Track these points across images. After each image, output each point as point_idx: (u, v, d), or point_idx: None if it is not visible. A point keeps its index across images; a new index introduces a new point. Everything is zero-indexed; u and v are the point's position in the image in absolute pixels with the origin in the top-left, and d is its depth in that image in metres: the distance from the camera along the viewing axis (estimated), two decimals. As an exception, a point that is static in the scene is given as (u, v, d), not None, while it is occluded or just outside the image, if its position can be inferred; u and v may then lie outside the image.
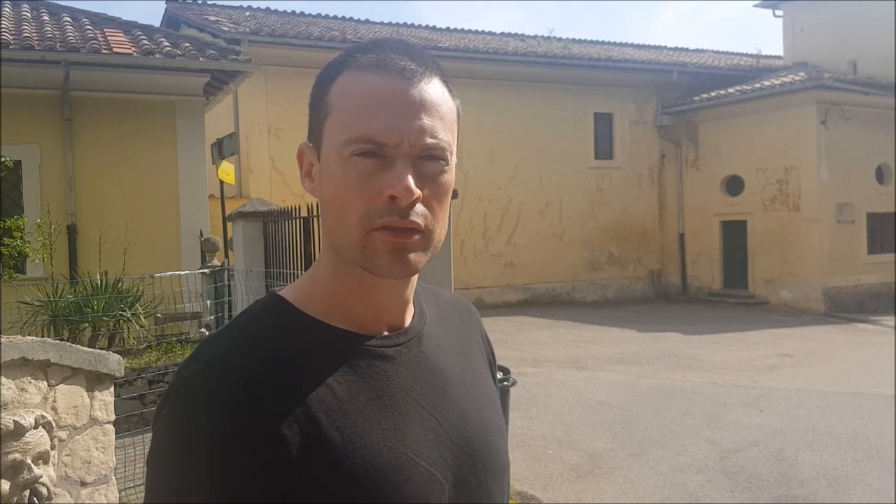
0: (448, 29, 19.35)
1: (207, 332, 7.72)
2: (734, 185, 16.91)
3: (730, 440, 6.21)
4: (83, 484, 3.19)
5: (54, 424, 2.97)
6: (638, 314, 14.85)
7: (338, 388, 0.79)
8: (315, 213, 5.52)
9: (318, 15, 17.78)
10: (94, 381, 3.29)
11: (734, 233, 16.80)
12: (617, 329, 12.77)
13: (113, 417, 3.40)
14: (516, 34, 19.73)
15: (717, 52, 22.45)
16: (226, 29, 13.47)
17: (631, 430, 6.53)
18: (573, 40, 19.69)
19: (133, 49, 9.71)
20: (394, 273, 0.80)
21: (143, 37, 10.36)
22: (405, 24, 18.99)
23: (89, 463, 3.22)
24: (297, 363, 0.79)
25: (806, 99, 15.23)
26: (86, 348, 3.34)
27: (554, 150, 16.27)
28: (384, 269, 0.80)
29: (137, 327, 6.74)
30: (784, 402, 7.57)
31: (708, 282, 17.40)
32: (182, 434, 0.73)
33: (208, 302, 7.05)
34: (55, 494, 2.90)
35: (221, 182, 8.78)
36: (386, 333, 0.86)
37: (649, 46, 21.47)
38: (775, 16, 19.78)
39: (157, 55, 9.59)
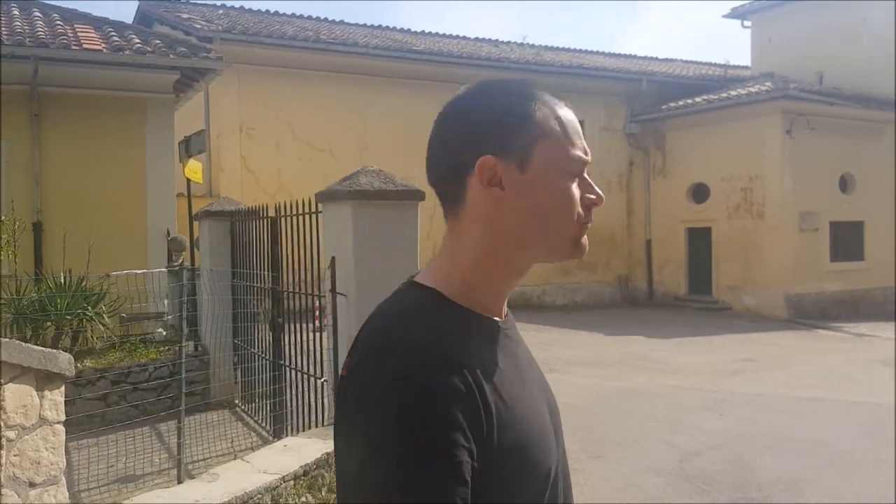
0: (423, 32, 19.41)
1: (164, 333, 7.69)
2: (700, 193, 17.19)
3: (690, 443, 6.32)
4: (32, 485, 3.15)
5: (2, 424, 2.94)
6: (606, 318, 15.02)
7: (498, 363, 0.94)
8: (283, 214, 5.51)
9: (293, 15, 17.72)
10: (45, 380, 3.24)
11: (699, 239, 17.08)
12: (585, 332, 12.92)
13: (63, 417, 3.36)
14: (490, 40, 19.87)
15: (686, 61, 22.80)
16: (198, 27, 13.38)
17: (594, 433, 6.63)
18: (546, 47, 19.89)
19: (103, 45, 9.61)
20: (584, 254, 1.02)
21: (114, 33, 10.25)
22: (380, 26, 18.99)
23: (38, 463, 3.18)
24: (468, 345, 0.91)
25: (771, 109, 15.53)
26: (36, 347, 3.29)
27: (525, 155, 16.37)
28: (584, 253, 1.01)
29: (101, 327, 6.67)
30: (745, 407, 7.72)
31: (674, 287, 17.65)
32: (419, 418, 0.81)
33: (164, 301, 7.00)
34: (2, 495, 2.87)
35: (188, 180, 8.72)
36: (500, 318, 1.02)
37: (620, 55, 21.76)
38: (744, 27, 20.16)
39: (127, 52, 9.50)
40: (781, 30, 19.02)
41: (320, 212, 4.77)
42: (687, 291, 17.34)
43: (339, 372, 0.95)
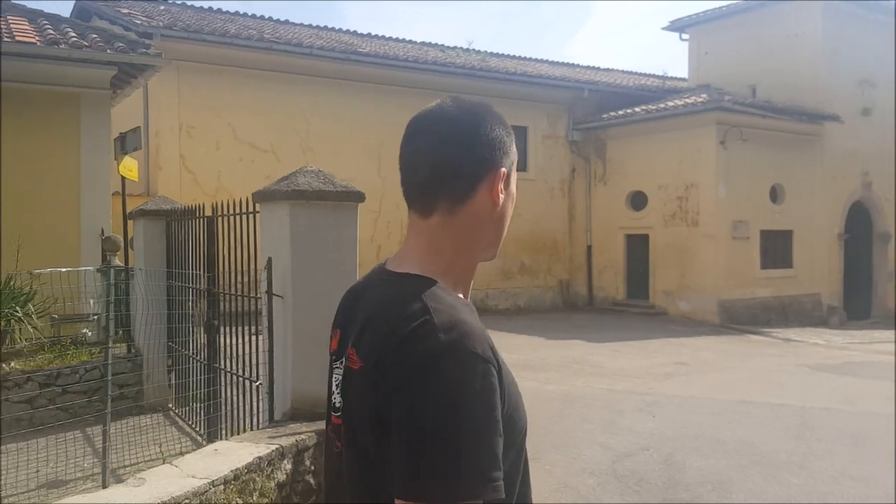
0: (369, 34, 19.37)
1: (90, 333, 7.49)
2: (638, 201, 17.60)
3: (623, 445, 6.48)
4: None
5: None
6: (547, 322, 15.23)
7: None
8: (220, 213, 5.42)
9: (237, 13, 17.47)
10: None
11: (637, 246, 17.49)
12: (526, 336, 13.07)
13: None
14: (436, 44, 19.95)
15: (627, 72, 23.34)
16: (138, 22, 13.09)
17: (531, 435, 6.60)
18: (491, 54, 20.09)
19: (37, 38, 9.31)
20: None
21: (49, 26, 9.94)
22: (325, 27, 18.88)
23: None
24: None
25: (706, 120, 16.02)
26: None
27: (470, 160, 16.49)
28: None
29: (30, 328, 6.46)
30: (677, 409, 7.93)
31: (612, 292, 18.02)
32: (472, 366, 0.99)
33: (90, 301, 6.81)
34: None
35: (123, 178, 8.52)
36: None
37: (563, 64, 22.13)
38: (682, 39, 20.71)
39: (63, 45, 9.21)
40: (717, 43, 19.64)
41: (258, 212, 4.72)
42: (625, 296, 17.72)
43: (365, 347, 1.07)
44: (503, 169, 1.16)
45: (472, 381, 0.97)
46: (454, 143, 1.13)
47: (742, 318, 15.89)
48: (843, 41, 17.83)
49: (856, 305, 18.54)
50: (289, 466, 3.69)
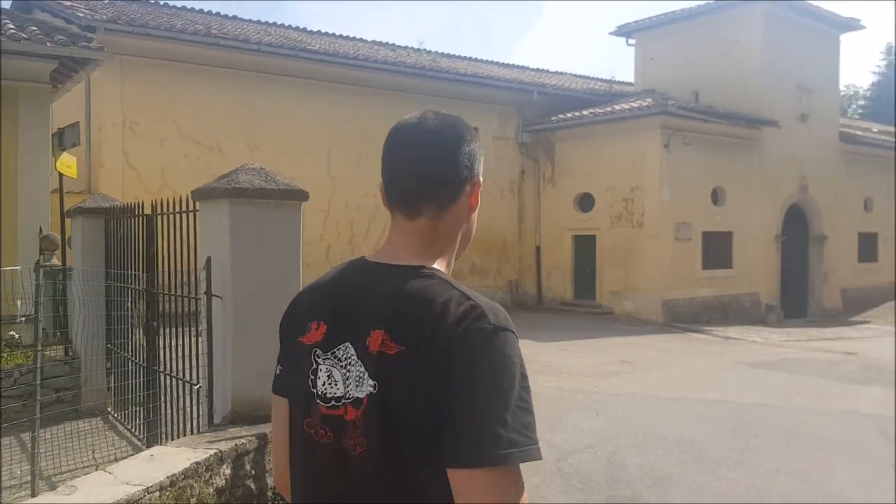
0: (319, 32, 19.20)
1: (17, 336, 7.25)
2: (586, 202, 17.85)
3: (568, 442, 6.56)
4: None
5: None
6: (495, 322, 15.29)
7: None
8: (159, 212, 5.30)
9: (183, 8, 17.10)
10: None
11: (585, 247, 17.74)
12: (474, 337, 13.11)
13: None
14: (387, 43, 19.89)
15: (575, 75, 23.62)
16: (81, 15, 12.71)
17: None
18: (442, 54, 20.11)
19: (-31, 29, 8.97)
20: None
21: (-17, 16, 9.59)
22: (274, 23, 18.64)
23: None
24: None
25: (651, 124, 16.34)
26: None
27: (420, 160, 16.48)
28: None
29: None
30: (621, 407, 8.08)
31: (560, 292, 18.24)
32: (515, 343, 1.14)
33: (19, 302, 6.59)
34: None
35: (61, 175, 8.27)
36: None
37: (513, 66, 22.28)
38: (628, 44, 21.07)
39: (0, 37, 8.90)
40: (662, 49, 20.04)
41: (198, 210, 4.62)
42: (573, 296, 17.95)
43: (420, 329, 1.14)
44: (480, 178, 1.30)
45: (516, 354, 1.13)
46: (439, 156, 1.25)
47: (684, 317, 16.26)
48: (781, 48, 18.39)
49: (792, 304, 19.15)
50: (228, 471, 3.63)
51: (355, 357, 1.15)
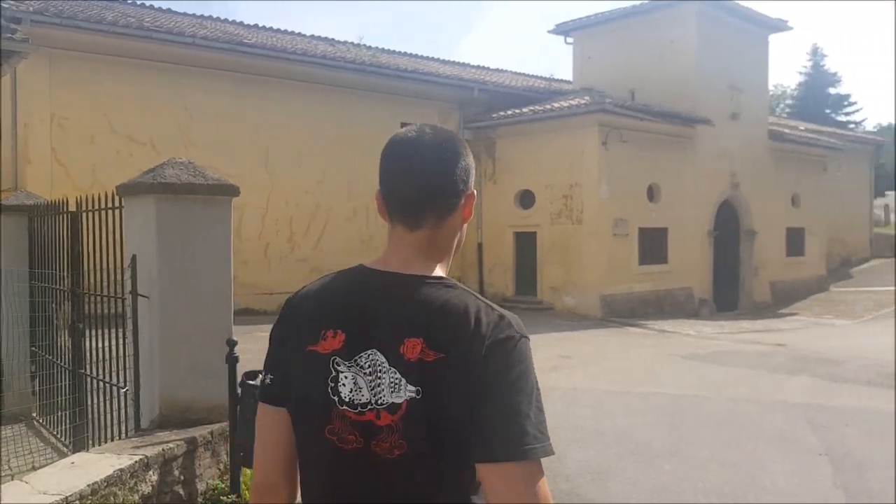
0: (256, 26, 18.85)
1: None
2: (526, 199, 18.00)
3: (507, 438, 6.57)
4: None
5: None
6: (437, 319, 15.28)
7: None
8: (84, 209, 5.09)
9: (116, 0, 16.54)
10: None
11: (526, 243, 17.89)
12: (415, 334, 13.06)
13: None
14: (326, 38, 19.67)
15: (516, 73, 23.81)
16: (6, 6, 12.16)
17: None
18: (382, 50, 19.98)
19: None
20: None
21: None
22: (210, 16, 18.20)
23: None
24: None
25: (589, 122, 16.58)
26: None
27: (362, 157, 16.32)
28: None
29: None
30: (560, 401, 8.14)
31: (502, 288, 18.36)
32: (530, 349, 1.27)
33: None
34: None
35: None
36: None
37: (454, 63, 22.32)
38: (567, 43, 21.32)
39: None
40: (600, 48, 20.34)
41: (124, 206, 4.45)
42: (514, 293, 18.09)
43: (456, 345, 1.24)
44: (474, 190, 1.38)
45: (532, 359, 1.26)
46: (439, 170, 1.32)
47: (622, 312, 16.57)
48: (714, 48, 18.89)
49: (724, 298, 19.72)
50: (155, 478, 3.50)
51: (386, 364, 1.21)
